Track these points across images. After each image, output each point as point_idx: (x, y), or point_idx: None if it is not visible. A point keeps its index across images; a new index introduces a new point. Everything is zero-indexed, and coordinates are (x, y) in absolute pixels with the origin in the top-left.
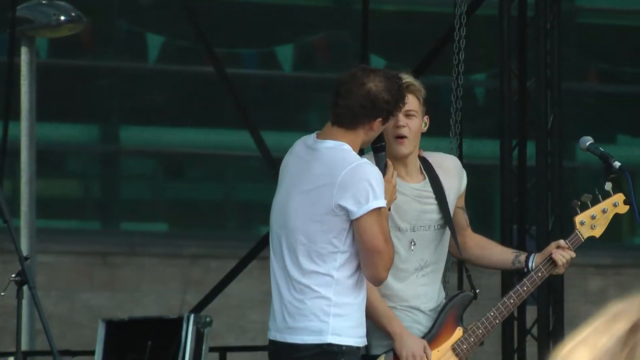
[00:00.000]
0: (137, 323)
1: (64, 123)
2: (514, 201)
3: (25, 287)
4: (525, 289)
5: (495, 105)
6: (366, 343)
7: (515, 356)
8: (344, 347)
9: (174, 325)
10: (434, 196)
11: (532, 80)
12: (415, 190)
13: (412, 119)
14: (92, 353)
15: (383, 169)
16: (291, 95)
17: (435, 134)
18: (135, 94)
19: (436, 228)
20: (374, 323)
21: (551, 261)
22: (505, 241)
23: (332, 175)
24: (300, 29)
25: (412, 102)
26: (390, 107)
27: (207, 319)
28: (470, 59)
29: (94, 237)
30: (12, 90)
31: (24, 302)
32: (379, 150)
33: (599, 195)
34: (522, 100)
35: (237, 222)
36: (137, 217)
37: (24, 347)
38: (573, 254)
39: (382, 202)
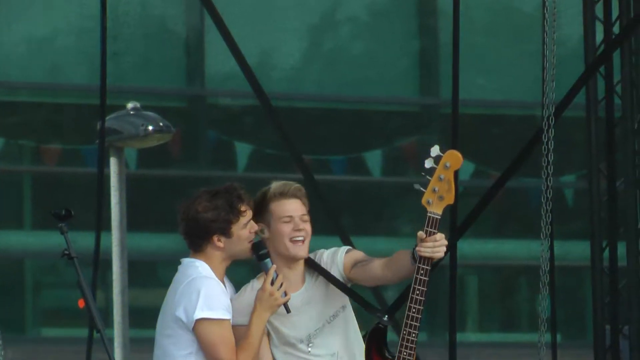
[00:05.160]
0: None
1: (155, 233)
2: (605, 301)
3: None
4: (417, 292)
5: (585, 206)
6: None
7: None
8: None
9: None
10: (318, 293)
11: (621, 180)
12: (299, 301)
13: (307, 223)
14: None
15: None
16: (381, 200)
17: (525, 237)
18: None
19: (329, 321)
20: None
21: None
22: (598, 341)
23: (175, 290)
24: (389, 135)
25: (302, 208)
26: (219, 223)
27: None
28: (559, 160)
29: None
30: (102, 201)
31: None
32: (260, 259)
33: (426, 175)
34: (612, 201)
35: None
36: None
37: None
38: (436, 237)
39: (211, 314)
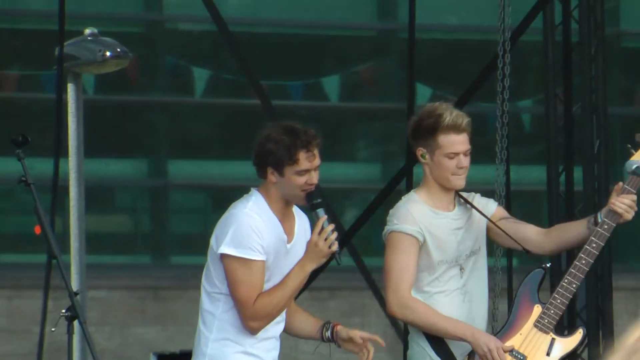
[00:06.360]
0: (189, 356)
1: (113, 158)
2: None
3: (76, 323)
4: (594, 245)
5: (541, 131)
6: None
7: None
8: None
9: None
10: (464, 224)
11: (577, 105)
12: (452, 221)
13: (468, 157)
14: None
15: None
16: (338, 126)
17: (482, 161)
18: (182, 128)
19: (473, 253)
20: (444, 336)
21: (614, 211)
22: (554, 266)
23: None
24: (346, 60)
25: (467, 142)
26: (276, 157)
27: None
28: (516, 85)
29: (144, 272)
30: (61, 127)
31: (76, 337)
32: (313, 208)
33: (630, 148)
34: (568, 126)
35: None
36: (187, 250)
37: None
38: (634, 197)
39: (235, 251)
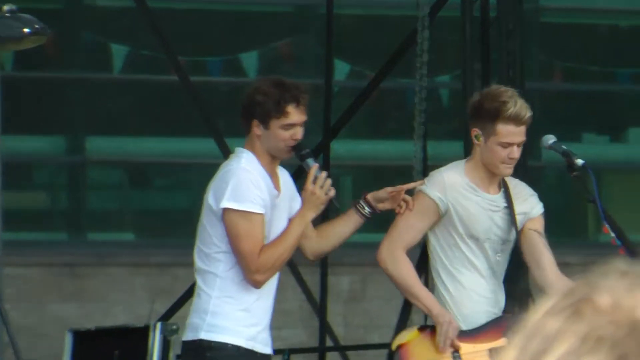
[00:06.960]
0: (104, 332)
1: (30, 135)
2: None
3: None
4: None
5: (460, 107)
6: (254, 348)
7: None
8: (213, 343)
9: (141, 334)
10: (501, 209)
11: (495, 80)
12: (488, 202)
13: (520, 148)
14: None
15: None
16: None
17: (400, 137)
18: (100, 104)
19: (504, 242)
20: (413, 301)
21: None
22: None
23: (215, 177)
24: (265, 36)
25: (524, 135)
26: (263, 109)
27: (174, 327)
28: (435, 60)
29: (61, 248)
30: None
31: None
32: (302, 159)
33: None
34: None
35: None
36: (105, 227)
37: None
38: None
39: (236, 205)
